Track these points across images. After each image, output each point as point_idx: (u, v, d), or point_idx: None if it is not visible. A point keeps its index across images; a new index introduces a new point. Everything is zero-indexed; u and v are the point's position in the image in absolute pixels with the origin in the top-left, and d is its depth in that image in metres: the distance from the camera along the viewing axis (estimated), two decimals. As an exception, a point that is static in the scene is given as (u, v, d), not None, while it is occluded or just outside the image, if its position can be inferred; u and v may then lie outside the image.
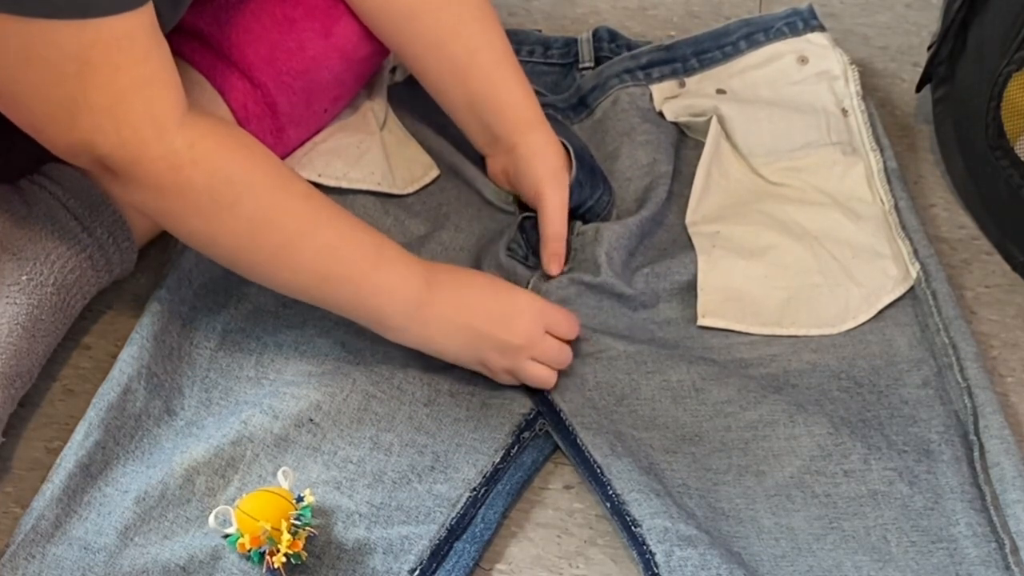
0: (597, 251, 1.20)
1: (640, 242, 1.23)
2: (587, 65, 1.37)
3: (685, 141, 1.33)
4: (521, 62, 1.38)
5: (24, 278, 1.09)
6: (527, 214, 1.24)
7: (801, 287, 1.20)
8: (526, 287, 1.19)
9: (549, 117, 1.26)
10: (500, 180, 1.26)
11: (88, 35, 0.92)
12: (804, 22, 1.37)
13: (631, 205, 1.26)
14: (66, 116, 0.95)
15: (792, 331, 1.17)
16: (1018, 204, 1.25)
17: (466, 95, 1.21)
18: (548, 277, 1.19)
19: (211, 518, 1.00)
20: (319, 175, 1.23)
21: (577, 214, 1.23)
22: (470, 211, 1.27)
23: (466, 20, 1.19)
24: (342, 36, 1.20)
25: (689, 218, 1.24)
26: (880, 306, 1.19)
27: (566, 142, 1.23)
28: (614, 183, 1.27)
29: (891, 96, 1.41)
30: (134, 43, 0.94)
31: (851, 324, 1.18)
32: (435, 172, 1.28)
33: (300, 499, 1.01)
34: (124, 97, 0.95)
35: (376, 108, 1.29)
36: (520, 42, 1.38)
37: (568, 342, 1.12)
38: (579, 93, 1.34)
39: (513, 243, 1.22)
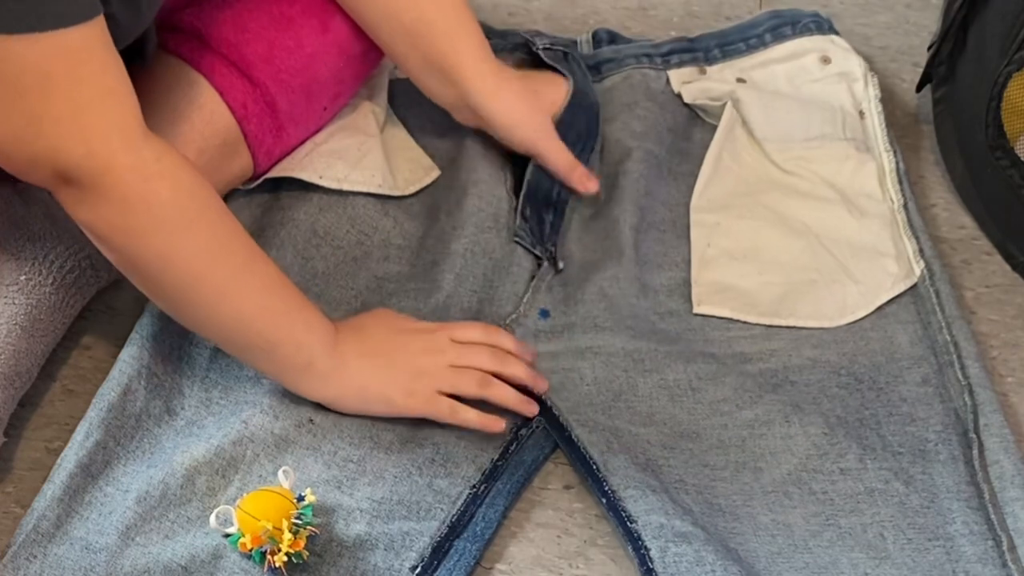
0: (616, 211, 1.22)
1: (642, 217, 1.24)
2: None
3: (702, 125, 1.33)
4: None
5: (23, 278, 1.09)
6: (522, 202, 1.23)
7: (798, 282, 1.20)
8: (531, 276, 1.20)
9: (571, 59, 1.29)
10: (473, 126, 1.26)
11: (43, 48, 0.91)
12: (829, 24, 1.38)
13: (612, 168, 1.26)
14: (30, 129, 0.94)
15: (791, 322, 1.17)
16: (1018, 204, 1.25)
17: (423, 62, 1.21)
18: (556, 271, 1.20)
19: (212, 518, 1.00)
20: (320, 176, 1.23)
21: (551, 202, 1.24)
22: (454, 196, 1.26)
23: None
24: (339, 32, 1.20)
25: (694, 202, 1.25)
26: (879, 302, 1.19)
27: (566, 72, 1.26)
28: (601, 142, 1.28)
29: (891, 96, 1.41)
30: (92, 55, 0.93)
31: (850, 318, 1.18)
32: (436, 173, 1.28)
33: (301, 498, 1.01)
34: (89, 107, 0.94)
35: (376, 110, 1.29)
36: (520, 42, 1.39)
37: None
38: (595, 59, 1.34)
39: (520, 230, 1.22)
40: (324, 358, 1.06)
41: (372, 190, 1.24)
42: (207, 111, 1.15)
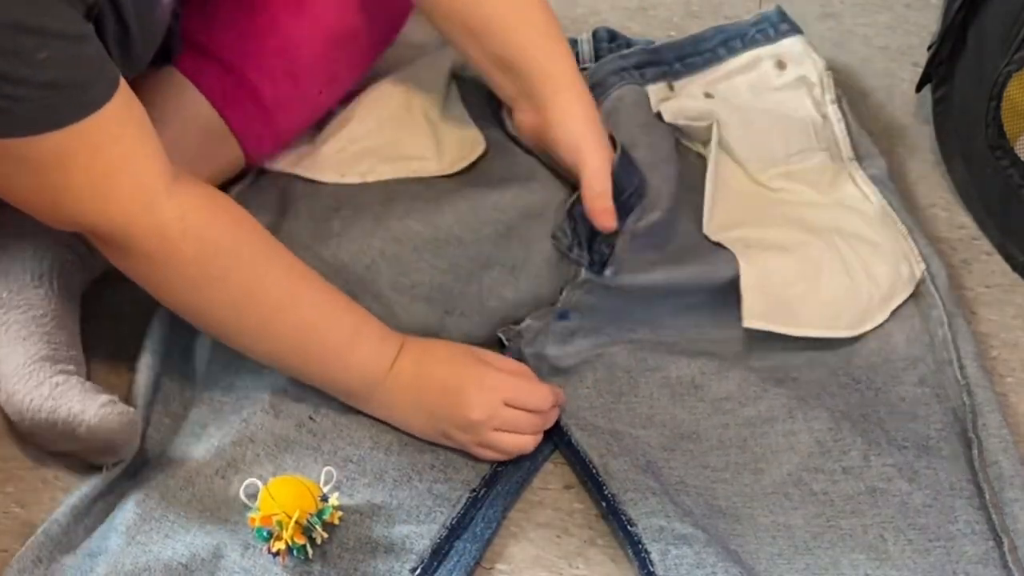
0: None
1: (652, 244, 1.20)
2: (587, 66, 1.37)
3: (681, 146, 1.30)
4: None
5: (5, 295, 1.10)
6: (575, 200, 1.16)
7: (834, 290, 1.18)
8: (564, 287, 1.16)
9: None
10: (527, 135, 1.21)
11: (63, 134, 0.92)
12: (774, 28, 1.35)
13: (659, 187, 1.20)
14: (51, 201, 0.96)
15: (821, 333, 1.16)
16: (1018, 204, 1.26)
17: (491, 57, 1.16)
18: (600, 274, 1.16)
19: (241, 488, 1.01)
20: (342, 175, 1.22)
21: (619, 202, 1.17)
22: (506, 169, 1.23)
23: None
24: (317, 12, 1.18)
25: (706, 228, 1.21)
26: (893, 307, 1.18)
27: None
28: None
29: (891, 96, 1.41)
30: (105, 127, 0.94)
31: (870, 325, 1.17)
32: (481, 147, 1.25)
33: (325, 499, 1.01)
34: (105, 177, 0.95)
35: (418, 98, 1.27)
36: (521, 42, 1.38)
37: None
38: None
39: (559, 231, 1.17)
40: (363, 391, 1.07)
41: (403, 175, 1.22)
42: (177, 99, 1.14)
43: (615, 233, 1.14)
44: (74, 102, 0.92)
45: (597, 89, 1.29)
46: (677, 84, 1.33)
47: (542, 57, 1.16)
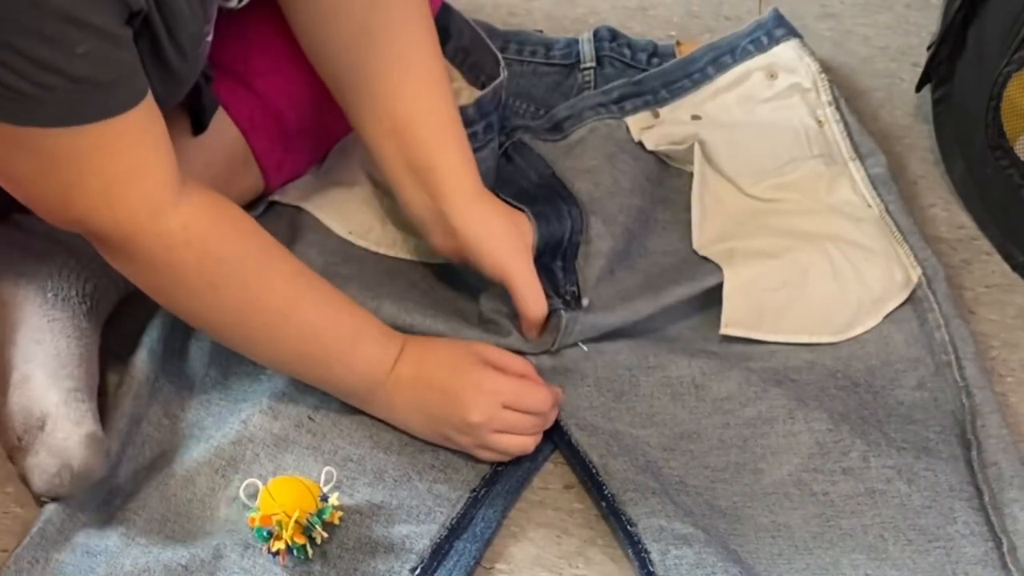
0: (626, 280, 1.19)
1: (622, 267, 1.21)
2: (589, 65, 1.37)
3: (668, 170, 1.29)
4: (522, 63, 1.37)
5: (50, 295, 1.10)
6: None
7: (820, 294, 1.18)
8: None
9: (517, 142, 1.26)
10: (447, 254, 1.17)
11: (81, 133, 0.92)
12: (769, 36, 1.34)
13: (614, 215, 1.21)
14: (61, 197, 0.95)
15: (804, 339, 1.16)
16: (1018, 204, 1.26)
17: (406, 160, 1.14)
18: (582, 308, 1.15)
19: (241, 488, 1.01)
20: (349, 232, 1.22)
21: (560, 249, 1.19)
22: None
23: (409, 80, 1.12)
24: None
25: (696, 243, 1.21)
26: (886, 312, 1.18)
27: (512, 201, 1.18)
28: (595, 192, 1.22)
29: (891, 96, 1.41)
30: (127, 132, 0.94)
31: (860, 330, 1.17)
32: None
33: (325, 499, 1.01)
34: (118, 181, 0.95)
35: None
36: (522, 43, 1.38)
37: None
38: (552, 120, 1.30)
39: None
40: (363, 393, 1.08)
41: (399, 255, 1.23)
42: (211, 124, 1.15)
43: (575, 274, 1.17)
44: (101, 102, 0.92)
45: (572, 120, 1.29)
46: (664, 110, 1.32)
47: (454, 163, 1.14)
